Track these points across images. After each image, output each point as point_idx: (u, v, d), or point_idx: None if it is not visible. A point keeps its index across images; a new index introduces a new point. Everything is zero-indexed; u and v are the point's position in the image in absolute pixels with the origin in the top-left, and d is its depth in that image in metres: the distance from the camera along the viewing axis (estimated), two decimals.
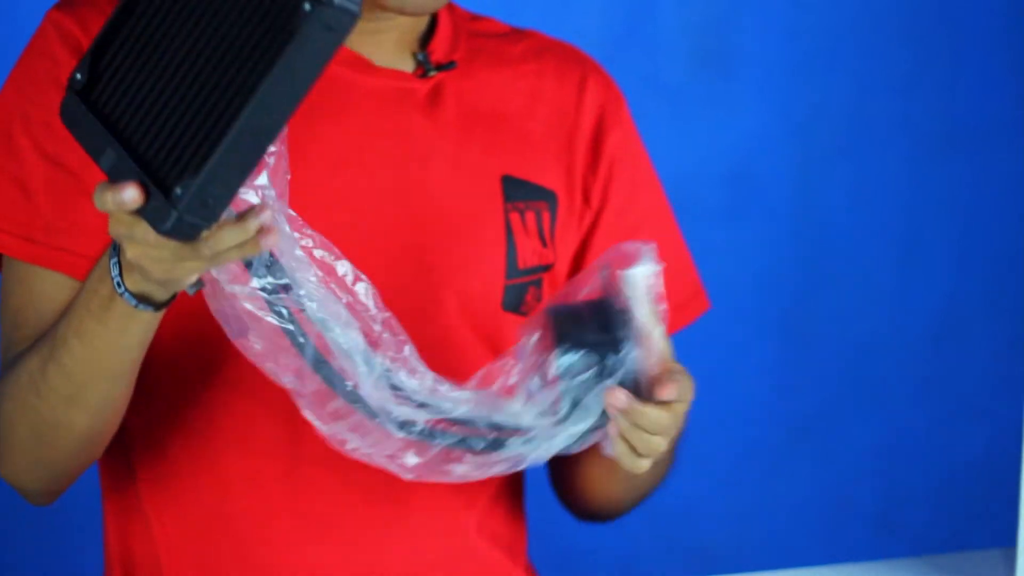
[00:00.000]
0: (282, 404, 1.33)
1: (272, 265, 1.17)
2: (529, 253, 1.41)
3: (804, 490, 2.60)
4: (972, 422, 2.66)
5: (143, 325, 1.19)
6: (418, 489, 1.38)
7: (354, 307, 1.21)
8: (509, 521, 1.47)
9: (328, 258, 1.21)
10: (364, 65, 1.37)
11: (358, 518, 1.37)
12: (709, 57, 2.48)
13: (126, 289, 1.15)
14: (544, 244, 1.42)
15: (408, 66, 1.39)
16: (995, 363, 2.65)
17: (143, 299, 1.16)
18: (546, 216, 1.42)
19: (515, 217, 1.40)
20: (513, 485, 1.47)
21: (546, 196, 1.42)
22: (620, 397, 1.24)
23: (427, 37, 1.41)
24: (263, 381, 1.32)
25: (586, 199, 1.45)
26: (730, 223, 2.52)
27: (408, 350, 1.22)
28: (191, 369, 1.34)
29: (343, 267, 1.22)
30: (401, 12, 1.33)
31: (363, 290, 1.22)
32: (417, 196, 1.36)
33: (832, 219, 2.58)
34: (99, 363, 1.21)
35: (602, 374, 1.24)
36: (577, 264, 1.45)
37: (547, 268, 1.42)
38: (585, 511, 1.51)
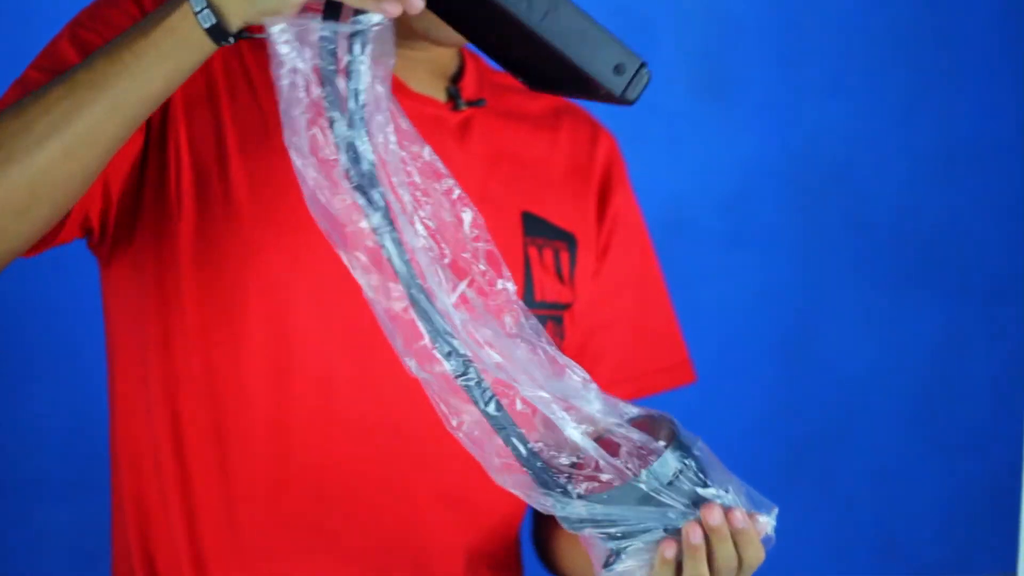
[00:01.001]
0: (319, 400, 1.35)
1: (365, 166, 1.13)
2: (547, 287, 1.44)
3: (804, 513, 2.60)
4: (972, 447, 2.66)
5: (188, 50, 1.16)
6: (424, 509, 1.39)
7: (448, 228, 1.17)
8: (508, 548, 1.48)
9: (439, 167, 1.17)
10: (400, 86, 1.40)
11: (363, 534, 1.38)
12: (707, 82, 2.49)
13: None
14: (562, 281, 1.45)
15: (440, 97, 1.43)
16: (995, 387, 2.65)
17: (215, 10, 1.14)
18: (564, 256, 1.46)
19: (533, 252, 1.44)
20: (515, 517, 1.48)
21: (565, 237, 1.47)
22: (716, 513, 1.19)
23: (456, 77, 1.45)
24: (301, 384, 1.33)
25: (598, 248, 1.49)
26: (729, 247, 2.52)
27: (503, 285, 1.16)
28: (223, 368, 1.35)
29: (450, 184, 1.18)
30: (426, 39, 1.37)
31: (468, 218, 1.18)
32: None
33: (831, 244, 2.58)
34: (117, 81, 1.17)
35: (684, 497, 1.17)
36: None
37: (566, 307, 1.45)
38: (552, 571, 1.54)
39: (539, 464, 1.13)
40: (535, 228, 1.46)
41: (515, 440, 1.13)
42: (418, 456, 1.39)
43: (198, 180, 1.35)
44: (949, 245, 2.63)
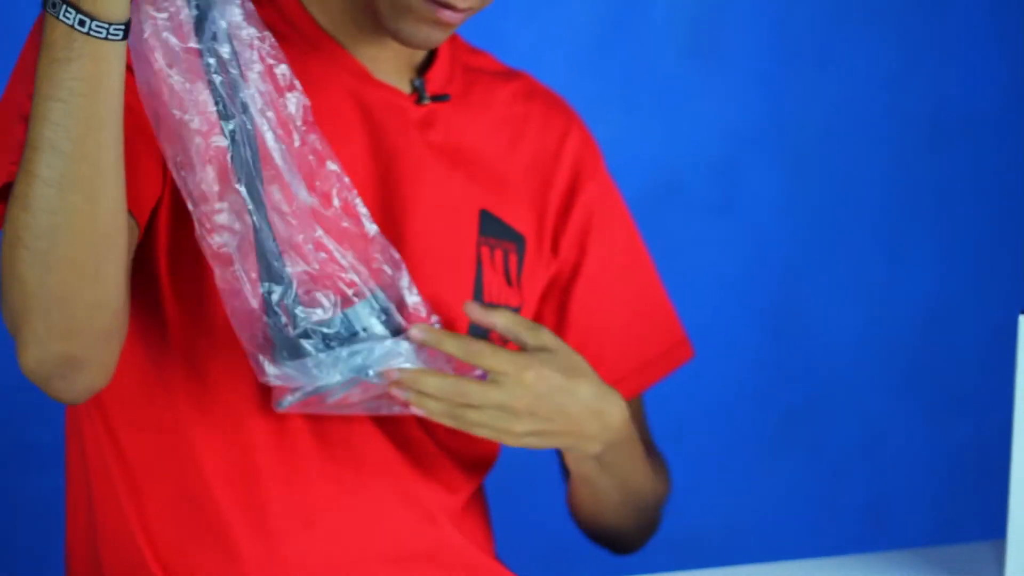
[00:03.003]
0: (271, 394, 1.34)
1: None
2: (495, 289, 1.44)
3: (793, 482, 2.60)
4: (961, 415, 2.66)
5: (106, 54, 1.13)
6: (402, 484, 1.39)
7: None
8: (482, 524, 1.49)
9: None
10: (364, 75, 1.39)
11: (342, 511, 1.38)
12: (698, 48, 2.48)
13: (70, 6, 1.12)
14: (509, 284, 1.44)
15: (405, 87, 1.42)
16: (983, 355, 2.65)
17: (88, 16, 1.12)
18: (513, 258, 1.45)
19: (485, 251, 1.43)
20: (481, 497, 1.49)
21: (515, 238, 1.45)
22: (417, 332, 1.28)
23: (425, 63, 1.43)
24: (252, 374, 1.32)
25: (554, 248, 1.48)
26: (718, 214, 2.52)
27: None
28: (181, 360, 1.34)
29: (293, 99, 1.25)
30: (403, 44, 1.35)
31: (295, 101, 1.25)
32: (399, 214, 1.38)
33: (820, 211, 2.58)
34: (80, 110, 1.14)
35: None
36: (560, 313, 1.48)
37: (515, 311, 1.44)
38: (587, 534, 1.55)
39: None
40: (490, 227, 1.44)
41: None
42: (367, 435, 1.39)
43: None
44: (937, 212, 2.63)
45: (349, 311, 1.24)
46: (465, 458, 1.44)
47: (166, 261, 1.33)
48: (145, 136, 1.26)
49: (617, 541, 1.58)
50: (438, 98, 1.42)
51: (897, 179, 2.62)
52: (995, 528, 1.44)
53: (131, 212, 1.25)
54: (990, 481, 2.17)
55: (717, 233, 2.52)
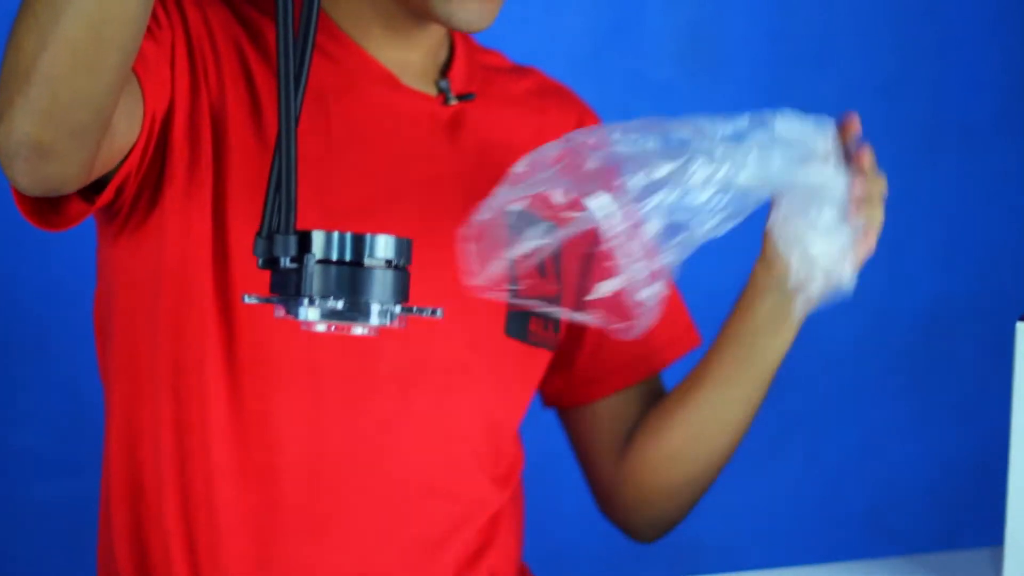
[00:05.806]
0: (306, 396, 1.34)
1: None
2: (529, 281, 1.44)
3: (792, 489, 2.60)
4: (960, 422, 2.66)
5: None
6: (422, 501, 1.39)
7: None
8: (505, 549, 1.48)
9: None
10: (393, 82, 1.39)
11: (360, 520, 1.38)
12: (695, 56, 2.48)
13: None
14: (543, 274, 1.45)
15: (431, 89, 1.43)
16: (982, 362, 2.65)
17: None
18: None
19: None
20: (513, 517, 1.49)
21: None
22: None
23: (446, 67, 1.44)
24: (288, 375, 1.33)
25: None
26: None
27: None
28: (217, 359, 1.34)
29: None
30: (454, 28, 1.35)
31: None
32: (436, 217, 1.38)
33: None
34: None
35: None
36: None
37: (554, 299, 1.45)
38: (650, 508, 1.54)
39: None
40: (519, 221, 1.46)
41: None
42: (405, 450, 1.39)
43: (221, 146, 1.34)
44: (935, 218, 2.63)
45: None
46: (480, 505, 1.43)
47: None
48: (161, 48, 1.27)
49: (663, 511, 1.57)
50: (464, 97, 1.44)
51: (894, 185, 2.61)
52: (993, 535, 1.45)
53: (137, 73, 1.24)
54: (988, 487, 2.18)
55: (713, 241, 2.52)
